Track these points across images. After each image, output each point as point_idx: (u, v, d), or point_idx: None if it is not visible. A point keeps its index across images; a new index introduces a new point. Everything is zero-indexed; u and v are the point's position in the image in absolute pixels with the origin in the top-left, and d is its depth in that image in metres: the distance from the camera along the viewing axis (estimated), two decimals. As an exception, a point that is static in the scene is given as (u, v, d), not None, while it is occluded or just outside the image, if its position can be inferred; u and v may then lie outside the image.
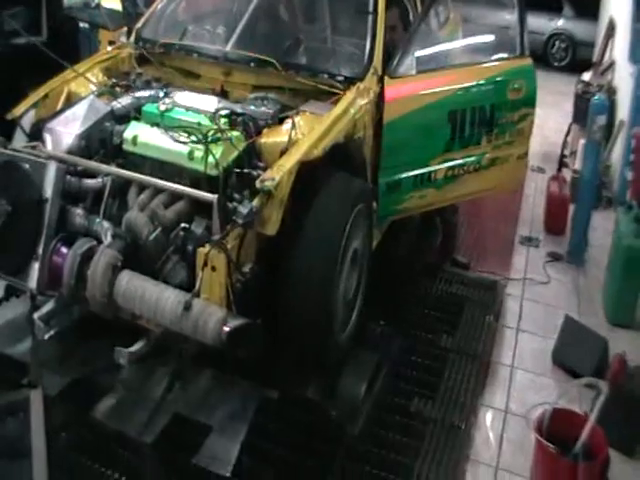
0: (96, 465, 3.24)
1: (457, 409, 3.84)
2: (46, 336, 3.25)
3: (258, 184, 3.14)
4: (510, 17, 4.80)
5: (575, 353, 4.23)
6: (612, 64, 8.12)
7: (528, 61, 4.70)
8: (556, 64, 12.58)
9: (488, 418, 3.85)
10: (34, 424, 2.89)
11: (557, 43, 12.71)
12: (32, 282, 3.21)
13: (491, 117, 4.57)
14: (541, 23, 12.36)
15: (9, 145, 3.51)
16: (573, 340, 4.33)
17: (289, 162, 3.25)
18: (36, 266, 3.19)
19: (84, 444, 3.33)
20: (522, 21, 4.70)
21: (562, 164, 6.48)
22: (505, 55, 4.81)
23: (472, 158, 4.60)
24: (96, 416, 3.41)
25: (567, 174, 6.54)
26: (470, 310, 4.76)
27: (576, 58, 12.18)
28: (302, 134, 3.52)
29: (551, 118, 8.40)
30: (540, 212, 6.22)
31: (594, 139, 5.32)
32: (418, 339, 4.38)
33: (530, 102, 4.72)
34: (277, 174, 3.16)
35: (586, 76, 8.55)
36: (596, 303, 4.94)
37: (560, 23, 12.71)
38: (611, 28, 8.54)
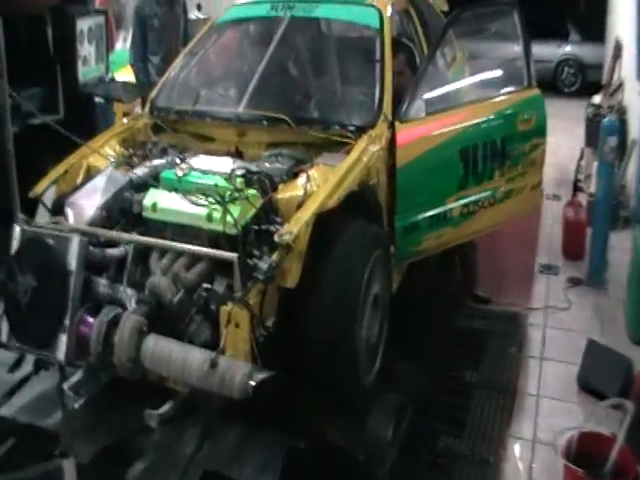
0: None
1: (485, 443, 3.77)
2: (76, 405, 3.29)
3: (277, 238, 3.16)
4: (516, 49, 4.85)
5: (600, 375, 4.15)
6: (621, 84, 8.09)
7: (536, 91, 4.75)
8: (566, 90, 12.63)
9: (517, 449, 3.77)
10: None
11: (566, 69, 12.78)
12: (60, 354, 3.22)
13: (503, 150, 4.59)
14: (549, 50, 12.48)
15: (33, 222, 3.57)
16: (597, 362, 4.26)
17: (305, 215, 3.28)
18: (64, 338, 3.20)
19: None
20: (527, 52, 4.75)
21: (577, 189, 6.42)
22: (513, 88, 4.84)
23: (486, 193, 4.60)
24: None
25: (583, 199, 6.43)
26: (492, 343, 4.69)
27: (586, 82, 12.23)
28: (317, 186, 3.53)
29: (564, 144, 8.33)
30: (558, 239, 6.13)
31: (606, 160, 5.26)
32: (442, 377, 4.32)
33: (541, 132, 4.75)
34: (294, 227, 3.19)
35: (596, 99, 8.53)
36: (619, 323, 4.85)
37: (568, 49, 12.78)
38: (618, 49, 8.53)
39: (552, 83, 12.49)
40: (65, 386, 3.28)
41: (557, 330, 4.87)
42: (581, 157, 6.59)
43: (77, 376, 3.33)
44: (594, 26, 11.53)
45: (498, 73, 5.21)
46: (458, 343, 4.69)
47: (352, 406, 3.63)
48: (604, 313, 5.05)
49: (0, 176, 5.00)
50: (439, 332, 4.79)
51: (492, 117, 4.54)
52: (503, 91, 4.84)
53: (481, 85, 5.16)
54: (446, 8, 6.18)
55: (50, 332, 3.24)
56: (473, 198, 4.53)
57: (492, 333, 4.81)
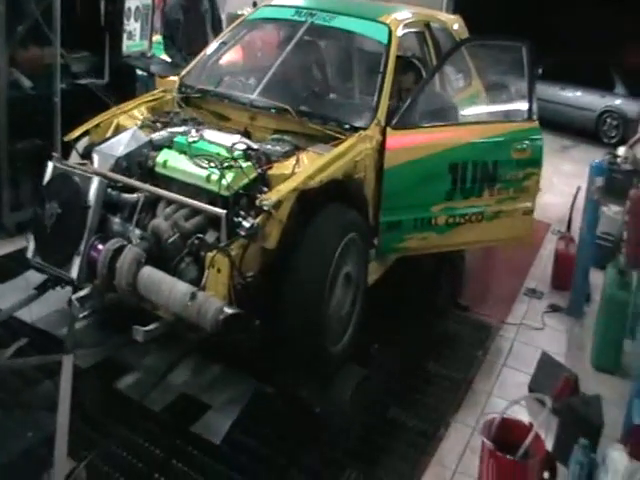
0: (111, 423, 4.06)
1: (429, 421, 4.44)
2: (80, 315, 4.02)
3: (258, 203, 3.92)
4: (521, 83, 5.50)
5: (546, 383, 4.78)
6: (640, 138, 8.74)
7: (534, 124, 5.35)
8: (606, 140, 13.06)
9: (457, 431, 4.39)
10: (63, 384, 3.42)
11: (608, 120, 13.25)
12: (74, 273, 3.99)
13: (494, 172, 5.18)
14: (592, 99, 13.14)
15: (64, 161, 4.41)
16: (546, 372, 4.92)
17: (286, 188, 4.03)
18: (77, 260, 3.98)
19: (106, 409, 4.14)
20: (531, 87, 5.39)
21: (571, 224, 7.10)
22: (512, 118, 5.51)
23: (474, 209, 5.19)
24: (119, 387, 4.23)
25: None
26: (461, 345, 5.37)
27: (627, 135, 12.40)
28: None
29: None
30: (550, 270, 6.76)
31: (592, 199, 5.88)
32: (406, 362, 5.00)
33: (535, 162, 5.36)
34: (274, 196, 3.96)
35: (621, 150, 9.21)
36: (586, 350, 5.41)
37: (612, 101, 13.25)
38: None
39: (594, 132, 13.16)
40: (73, 297, 3.98)
41: (525, 345, 5.51)
42: (576, 196, 7.27)
43: (84, 291, 4.01)
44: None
45: (502, 104, 5.97)
46: (429, 339, 5.39)
47: (318, 367, 4.30)
48: (574, 339, 5.67)
49: (47, 124, 6.06)
50: (414, 326, 5.48)
51: (485, 140, 5.15)
52: (501, 119, 5.54)
53: (483, 112, 5.92)
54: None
55: (67, 254, 4.02)
56: (460, 211, 5.15)
57: (463, 336, 5.50)
